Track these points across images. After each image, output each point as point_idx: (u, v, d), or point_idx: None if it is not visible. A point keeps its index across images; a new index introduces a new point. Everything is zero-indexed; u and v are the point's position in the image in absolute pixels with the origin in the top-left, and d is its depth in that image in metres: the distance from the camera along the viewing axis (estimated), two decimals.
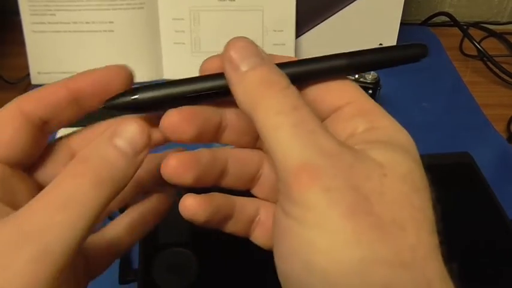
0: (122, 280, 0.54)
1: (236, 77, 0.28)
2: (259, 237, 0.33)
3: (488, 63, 0.90)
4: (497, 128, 0.77)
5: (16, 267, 0.23)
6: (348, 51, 0.31)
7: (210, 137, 0.31)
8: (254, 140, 0.33)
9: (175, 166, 0.29)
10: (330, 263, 0.24)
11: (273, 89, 0.27)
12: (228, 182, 0.32)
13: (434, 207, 0.28)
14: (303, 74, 0.30)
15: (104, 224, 0.34)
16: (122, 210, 0.35)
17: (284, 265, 0.27)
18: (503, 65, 0.88)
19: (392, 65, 0.32)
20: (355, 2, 0.81)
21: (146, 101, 0.29)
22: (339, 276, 0.24)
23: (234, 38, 0.29)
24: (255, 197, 0.34)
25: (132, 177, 0.27)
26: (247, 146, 0.33)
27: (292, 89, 0.27)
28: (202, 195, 0.30)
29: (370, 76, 0.71)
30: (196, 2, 0.79)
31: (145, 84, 0.30)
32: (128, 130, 0.27)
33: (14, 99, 0.29)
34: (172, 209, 0.34)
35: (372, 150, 0.27)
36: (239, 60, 0.28)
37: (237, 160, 0.32)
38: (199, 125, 0.30)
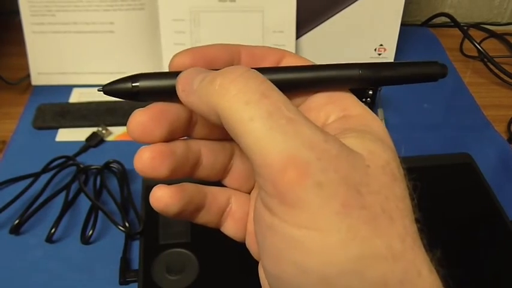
0: (122, 281, 0.54)
1: (190, 93, 0.26)
2: (230, 228, 0.32)
3: (489, 64, 0.90)
4: (498, 129, 0.77)
5: None
6: (359, 61, 0.29)
7: (180, 134, 0.29)
8: (226, 132, 0.31)
9: (150, 158, 0.27)
10: (325, 265, 0.23)
11: (230, 76, 0.25)
12: (201, 173, 0.31)
13: (411, 196, 0.27)
14: (313, 80, 0.29)
15: None
16: None
17: (272, 266, 0.25)
18: (504, 66, 0.87)
19: (409, 82, 0.30)
20: (355, 3, 0.81)
21: (147, 90, 0.28)
22: (337, 277, 0.23)
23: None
24: (225, 187, 0.32)
25: None
26: (220, 138, 0.31)
27: (253, 71, 0.25)
28: (174, 185, 0.29)
29: None
30: (196, 2, 0.79)
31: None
32: None
33: None
34: None
35: (349, 140, 0.26)
36: (190, 84, 0.26)
37: (210, 151, 0.31)
38: (169, 123, 0.28)
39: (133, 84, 0.28)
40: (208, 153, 0.31)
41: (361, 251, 0.23)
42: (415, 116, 0.78)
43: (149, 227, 0.57)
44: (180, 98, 0.27)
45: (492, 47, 0.95)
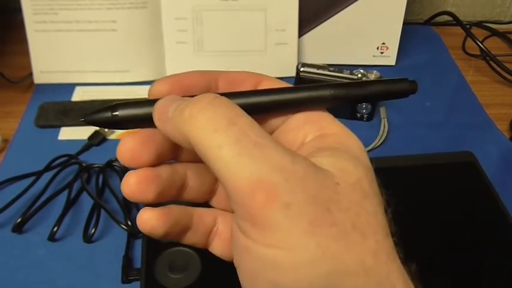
0: (125, 279, 0.54)
1: (166, 122, 0.27)
2: (217, 248, 0.32)
3: (491, 62, 0.90)
4: (500, 127, 0.77)
5: None
6: (335, 82, 0.30)
7: (168, 157, 0.30)
8: None
9: (136, 183, 0.28)
10: (297, 282, 0.24)
11: (198, 105, 0.25)
12: (187, 195, 0.31)
13: (386, 211, 0.27)
14: (285, 102, 0.29)
15: None
16: None
17: (249, 285, 0.26)
18: (506, 64, 0.87)
19: (380, 99, 0.32)
20: (357, 1, 0.81)
21: (126, 118, 0.29)
22: None
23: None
24: (212, 207, 0.33)
25: None
26: None
27: (221, 98, 0.26)
28: (160, 208, 0.29)
29: (373, 75, 0.71)
30: (199, 1, 0.79)
31: (131, 100, 0.29)
32: None
33: None
34: None
35: (322, 159, 0.26)
36: (165, 113, 0.27)
37: (195, 173, 0.31)
38: (157, 148, 0.29)
39: (113, 114, 0.29)
40: (194, 176, 0.31)
41: (330, 267, 0.24)
42: (417, 115, 0.78)
43: None
44: (157, 126, 0.28)
45: (494, 45, 0.95)
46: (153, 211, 0.29)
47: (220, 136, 0.24)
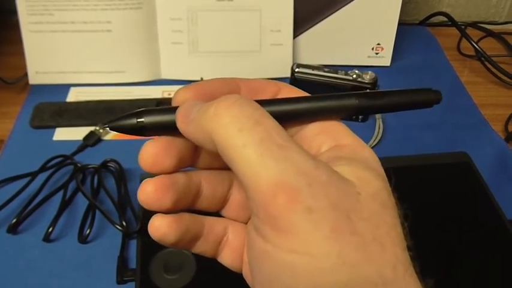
0: (120, 280, 0.54)
1: (188, 123, 0.27)
2: (227, 257, 0.32)
3: (486, 63, 0.91)
4: (495, 128, 0.77)
5: None
6: (355, 92, 0.29)
7: (187, 164, 0.30)
8: None
9: (153, 190, 0.28)
10: None
11: (224, 104, 0.25)
12: (201, 204, 0.31)
13: (403, 225, 0.27)
14: (312, 111, 0.29)
15: None
16: None
17: None
18: (501, 65, 0.88)
19: (404, 109, 0.31)
20: (352, 1, 0.81)
21: (151, 125, 0.29)
22: None
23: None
24: (223, 217, 0.33)
25: None
26: (222, 167, 0.32)
27: (247, 99, 0.26)
28: (172, 215, 0.29)
29: (368, 76, 0.71)
30: (194, 2, 0.79)
31: (150, 106, 0.29)
32: None
33: None
34: None
35: (342, 167, 0.26)
36: (188, 114, 0.27)
37: (209, 181, 0.31)
38: (178, 153, 0.29)
39: (138, 120, 0.29)
40: (208, 184, 0.31)
41: (350, 277, 0.23)
42: (412, 115, 0.78)
43: (146, 226, 0.56)
44: (179, 129, 0.28)
45: (489, 46, 0.95)
46: (165, 218, 0.29)
47: (245, 135, 0.24)
